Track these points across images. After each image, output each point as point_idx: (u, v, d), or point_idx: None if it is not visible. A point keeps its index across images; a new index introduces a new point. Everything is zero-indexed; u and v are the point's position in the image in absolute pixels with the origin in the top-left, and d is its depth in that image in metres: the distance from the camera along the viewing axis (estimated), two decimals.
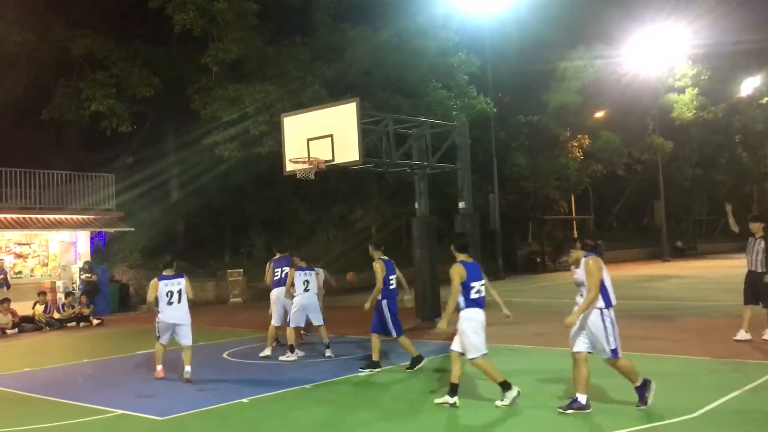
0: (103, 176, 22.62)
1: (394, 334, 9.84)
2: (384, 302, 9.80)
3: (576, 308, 7.06)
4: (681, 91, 40.63)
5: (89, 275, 19.88)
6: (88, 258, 21.44)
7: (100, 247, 24.32)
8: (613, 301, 7.09)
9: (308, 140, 13.07)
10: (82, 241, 21.94)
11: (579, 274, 7.14)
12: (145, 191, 25.03)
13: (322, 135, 12.92)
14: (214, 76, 22.65)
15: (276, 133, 19.82)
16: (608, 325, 6.96)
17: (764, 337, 10.67)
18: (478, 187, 26.36)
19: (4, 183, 20.37)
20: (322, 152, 12.87)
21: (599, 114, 38.84)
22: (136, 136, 25.90)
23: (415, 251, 15.34)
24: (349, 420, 7.19)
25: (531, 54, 31.72)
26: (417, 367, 9.74)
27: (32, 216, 20.63)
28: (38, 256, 21.24)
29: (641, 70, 38.18)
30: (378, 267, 9.84)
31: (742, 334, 10.80)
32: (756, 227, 10.77)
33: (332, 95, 21.13)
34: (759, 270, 10.60)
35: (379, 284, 9.70)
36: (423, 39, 24.46)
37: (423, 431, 6.62)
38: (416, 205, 15.54)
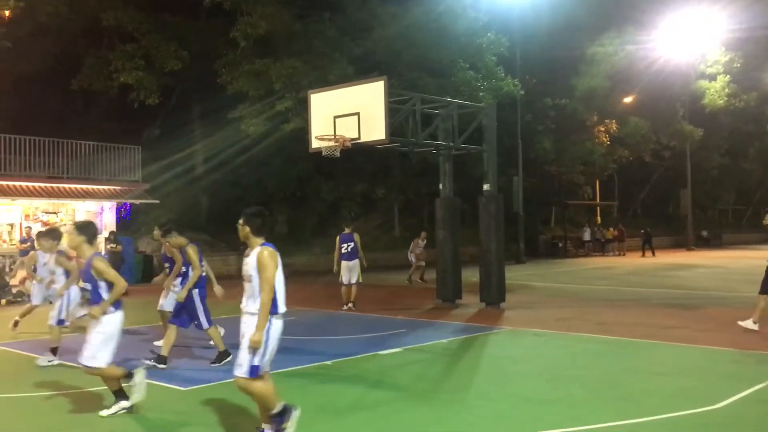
0: (129, 148, 22.81)
1: (206, 325, 8.99)
2: (196, 291, 8.96)
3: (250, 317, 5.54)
4: (713, 78, 39.91)
5: (114, 245, 20.11)
6: (114, 228, 21.70)
7: (125, 218, 24.59)
8: (282, 308, 5.59)
9: (335, 117, 13.04)
10: (107, 212, 22.22)
11: (249, 265, 5.65)
12: (170, 164, 25.23)
13: (348, 113, 12.87)
14: (241, 51, 22.65)
15: (301, 109, 19.86)
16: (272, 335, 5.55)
17: None
18: (502, 169, 26.15)
19: (32, 152, 20.62)
20: (348, 130, 12.84)
21: (628, 99, 38.32)
22: (163, 109, 26.08)
23: (438, 232, 15.32)
24: (368, 397, 7.23)
25: (561, 36, 31.29)
26: (223, 362, 8.65)
27: (59, 185, 20.90)
28: (65, 225, 21.51)
29: (673, 56, 37.52)
30: (192, 252, 8.95)
31: (749, 324, 10.77)
32: None
33: (359, 73, 21.06)
34: None
35: (198, 270, 8.90)
36: (451, 18, 24.20)
37: (444, 411, 6.64)
38: (440, 186, 15.48)
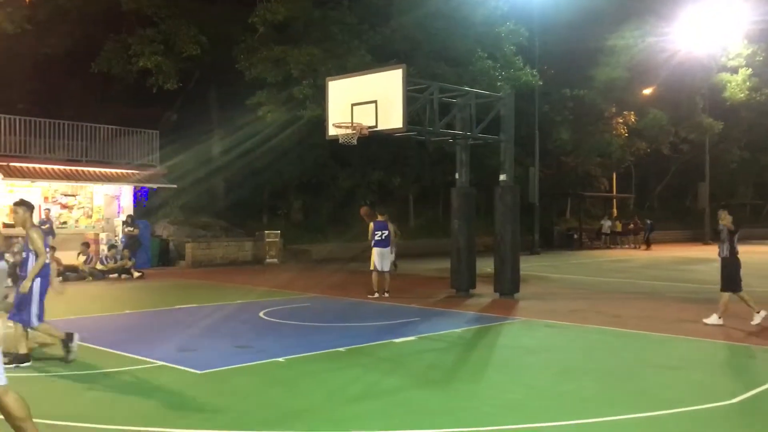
0: (147, 132, 22.95)
1: (36, 323, 7.88)
2: (38, 281, 7.87)
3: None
4: (734, 70, 39.39)
5: (131, 229, 20.30)
6: (131, 212, 21.89)
7: (143, 201, 24.78)
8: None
9: (352, 105, 13.04)
10: (125, 195, 22.42)
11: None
12: (187, 149, 25.36)
13: (366, 100, 12.88)
14: (259, 37, 22.67)
15: (319, 97, 19.85)
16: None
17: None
18: (519, 159, 26.10)
19: (52, 134, 20.82)
20: (365, 118, 12.84)
21: (647, 91, 37.95)
22: (181, 94, 26.17)
23: (453, 222, 15.30)
24: (381, 384, 7.28)
25: (580, 26, 31.03)
26: (16, 365, 7.61)
27: (78, 168, 21.10)
28: (83, 207, 21.74)
29: (694, 48, 37.05)
30: (36, 235, 7.82)
31: (714, 319, 10.86)
32: None
33: (377, 61, 21.02)
34: None
35: (43, 257, 7.81)
36: (471, 7, 24.07)
37: (457, 399, 6.68)
38: (457, 176, 15.46)
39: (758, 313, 10.84)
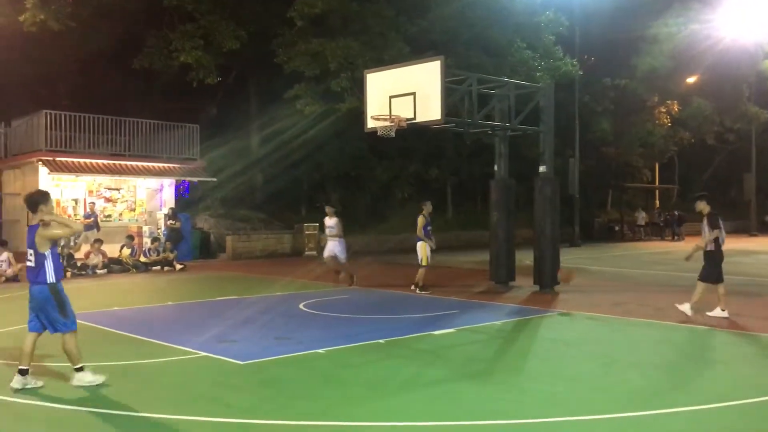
0: (188, 126, 23.27)
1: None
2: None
3: None
4: None
5: (173, 222, 20.62)
6: (173, 205, 22.24)
7: (184, 195, 25.15)
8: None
9: (390, 97, 13.02)
10: (167, 189, 22.78)
11: None
12: (227, 143, 25.67)
13: (404, 93, 12.84)
14: (297, 31, 22.75)
15: (356, 89, 19.88)
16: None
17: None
18: (558, 151, 25.73)
19: (96, 129, 21.25)
20: (403, 110, 12.81)
21: (691, 79, 37.09)
22: (221, 88, 26.44)
23: (492, 214, 15.20)
24: (422, 376, 7.27)
25: (622, 14, 30.43)
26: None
27: (121, 162, 21.50)
28: (126, 201, 22.16)
29: (739, 35, 36.04)
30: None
31: (718, 312, 10.69)
32: None
33: (415, 52, 20.93)
34: None
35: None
36: None
37: (498, 392, 6.64)
38: (495, 168, 15.34)
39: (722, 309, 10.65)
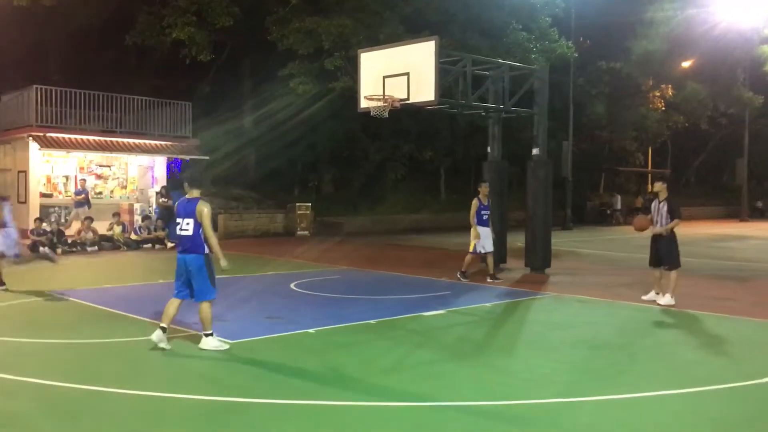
0: (180, 104, 23.07)
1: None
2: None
3: None
4: None
5: (165, 200, 20.51)
6: (165, 183, 22.12)
7: (176, 173, 25.02)
8: None
9: (384, 77, 12.94)
10: (158, 166, 22.64)
11: None
12: (220, 121, 25.50)
13: (398, 73, 12.76)
14: (292, 8, 22.57)
15: (351, 69, 19.77)
16: None
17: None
18: (552, 133, 25.75)
19: (87, 105, 21.04)
20: (397, 90, 12.74)
21: (686, 63, 37.03)
22: (214, 65, 26.23)
23: None
24: (412, 357, 7.30)
25: None
26: None
27: (113, 139, 21.34)
28: (118, 178, 22.03)
29: (735, 20, 35.94)
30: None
31: (668, 299, 10.59)
32: None
33: (409, 32, 20.80)
34: None
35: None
36: None
37: (487, 373, 6.67)
38: (488, 149, 15.31)
39: (663, 295, 10.62)
